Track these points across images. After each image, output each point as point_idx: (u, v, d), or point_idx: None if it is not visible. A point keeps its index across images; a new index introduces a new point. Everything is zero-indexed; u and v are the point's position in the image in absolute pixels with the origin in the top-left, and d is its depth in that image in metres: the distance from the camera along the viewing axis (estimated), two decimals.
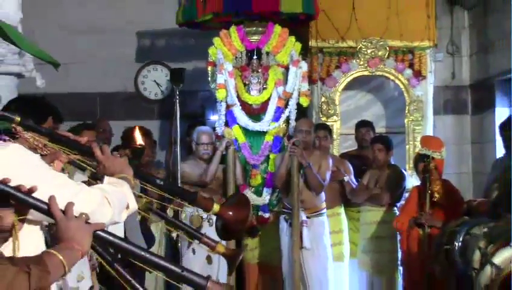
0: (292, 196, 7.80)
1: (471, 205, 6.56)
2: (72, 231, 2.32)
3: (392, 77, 9.48)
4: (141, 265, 2.63)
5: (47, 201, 2.35)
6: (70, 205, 2.38)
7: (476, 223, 5.59)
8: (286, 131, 8.07)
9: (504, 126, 6.60)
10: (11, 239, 2.38)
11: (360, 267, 8.16)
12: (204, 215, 6.02)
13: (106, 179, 2.97)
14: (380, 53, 9.31)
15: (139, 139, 8.88)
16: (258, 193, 8.06)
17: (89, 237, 2.38)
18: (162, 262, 2.56)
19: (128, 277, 2.91)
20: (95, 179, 3.18)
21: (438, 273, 6.05)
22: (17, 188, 2.33)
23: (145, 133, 8.93)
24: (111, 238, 2.53)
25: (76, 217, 2.36)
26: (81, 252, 2.34)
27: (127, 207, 2.95)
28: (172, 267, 2.56)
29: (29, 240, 2.49)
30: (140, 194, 3.46)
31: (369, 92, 9.98)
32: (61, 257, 2.22)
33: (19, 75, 6.84)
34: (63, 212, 2.36)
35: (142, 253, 2.58)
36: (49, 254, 2.22)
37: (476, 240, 5.36)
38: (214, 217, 3.50)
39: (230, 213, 3.38)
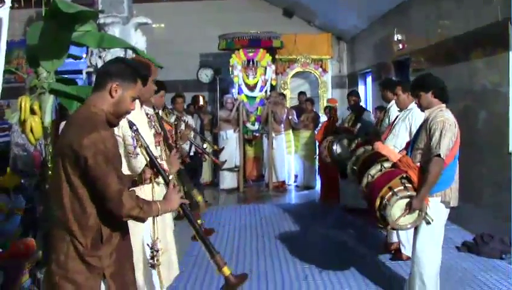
0: (268, 125, 7.20)
1: (339, 128, 5.84)
2: (170, 196, 1.91)
3: (312, 72, 8.64)
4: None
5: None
6: (175, 185, 1.96)
7: (343, 137, 5.06)
8: (265, 96, 7.37)
9: (348, 94, 5.96)
10: (140, 186, 2.04)
11: (299, 157, 7.43)
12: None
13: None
14: (307, 61, 8.48)
15: (200, 101, 8.23)
16: (253, 124, 7.34)
17: (177, 201, 1.92)
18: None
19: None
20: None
21: (328, 160, 5.33)
22: (161, 165, 2.05)
23: (203, 98, 8.27)
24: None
25: (174, 187, 1.94)
26: (170, 208, 1.91)
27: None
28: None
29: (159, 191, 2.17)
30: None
31: (303, 79, 9.04)
32: (159, 207, 1.84)
33: None
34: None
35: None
36: (155, 203, 1.86)
37: (344, 143, 4.96)
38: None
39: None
